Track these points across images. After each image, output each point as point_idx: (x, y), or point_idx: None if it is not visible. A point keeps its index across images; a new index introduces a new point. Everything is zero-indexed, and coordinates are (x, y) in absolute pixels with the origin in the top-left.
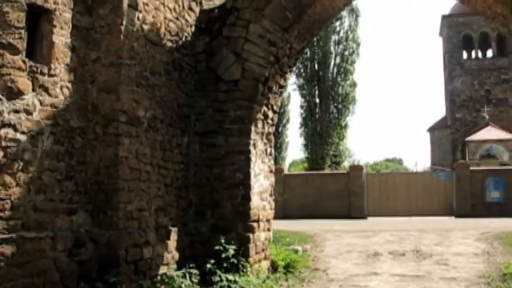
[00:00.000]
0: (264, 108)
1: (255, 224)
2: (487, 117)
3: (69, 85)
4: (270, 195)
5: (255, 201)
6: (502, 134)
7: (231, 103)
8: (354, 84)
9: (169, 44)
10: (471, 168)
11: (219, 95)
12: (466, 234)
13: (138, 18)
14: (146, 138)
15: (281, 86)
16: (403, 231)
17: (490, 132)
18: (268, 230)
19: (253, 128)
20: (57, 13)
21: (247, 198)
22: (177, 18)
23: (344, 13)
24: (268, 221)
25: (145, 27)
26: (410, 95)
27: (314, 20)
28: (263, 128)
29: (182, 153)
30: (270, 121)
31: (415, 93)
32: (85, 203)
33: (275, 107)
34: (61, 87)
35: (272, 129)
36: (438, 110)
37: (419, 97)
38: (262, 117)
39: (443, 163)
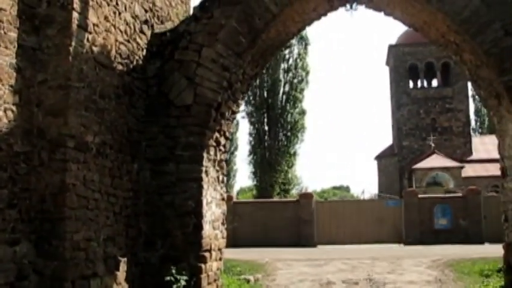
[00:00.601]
0: (217, 134)
1: (207, 254)
2: (433, 145)
3: (14, 108)
4: (222, 223)
5: (207, 230)
6: (447, 162)
7: (183, 129)
8: (302, 112)
9: (119, 67)
10: (419, 195)
11: (171, 121)
12: (417, 262)
13: (87, 39)
14: (95, 164)
15: (233, 112)
16: (355, 259)
17: (436, 160)
18: (220, 259)
19: (205, 155)
20: (2, 32)
21: (199, 227)
22: (128, 41)
23: (293, 41)
24: (220, 250)
25: (95, 49)
26: (358, 123)
27: (268, 45)
28: (215, 155)
29: (132, 180)
30: (222, 148)
31: (362, 121)
32: (29, 232)
33: (227, 134)
34: (5, 110)
35: (224, 156)
36: (385, 138)
37: (366, 125)
38: (214, 143)
39: (390, 191)
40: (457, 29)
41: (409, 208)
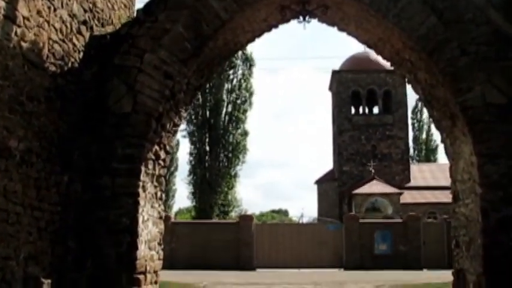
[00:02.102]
0: (156, 147)
1: (141, 277)
2: (373, 171)
3: None
4: (159, 244)
5: (143, 250)
6: (386, 188)
7: (120, 139)
8: (245, 133)
9: (52, 68)
10: (360, 220)
11: (107, 130)
12: (359, 287)
13: (15, 33)
14: (18, 173)
15: (175, 125)
16: (296, 284)
17: (376, 186)
18: (156, 282)
19: (143, 169)
20: None
21: (133, 246)
22: (64, 41)
23: (238, 61)
24: (156, 272)
25: (25, 45)
26: (299, 147)
27: (215, 54)
28: (154, 169)
29: (61, 193)
30: (161, 162)
31: (303, 145)
32: None
33: (168, 148)
34: None
35: (164, 172)
36: (326, 163)
37: (307, 149)
38: (153, 157)
39: (330, 215)
40: (413, 45)
41: (350, 232)
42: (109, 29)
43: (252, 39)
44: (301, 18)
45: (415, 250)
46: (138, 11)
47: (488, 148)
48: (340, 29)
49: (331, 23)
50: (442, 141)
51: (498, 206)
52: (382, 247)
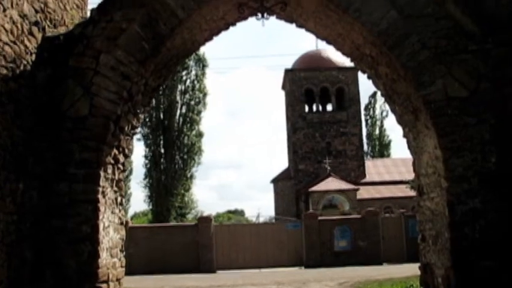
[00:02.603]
0: (115, 151)
1: (104, 286)
2: (328, 168)
3: None
4: (121, 250)
5: (104, 258)
6: (342, 185)
7: (77, 144)
8: (200, 135)
9: (3, 71)
10: (319, 218)
11: (63, 134)
12: (324, 286)
13: None
14: None
15: (133, 127)
16: (260, 285)
17: (332, 183)
18: None
19: (102, 174)
20: None
21: (94, 255)
22: (15, 43)
23: (191, 62)
24: (118, 280)
25: None
26: (254, 147)
27: (172, 54)
28: (113, 173)
29: (16, 202)
30: (120, 166)
31: (258, 145)
32: None
33: (126, 151)
34: None
35: (123, 176)
36: (281, 162)
37: (262, 149)
38: (112, 161)
39: (287, 214)
40: (374, 40)
41: (309, 230)
42: (62, 30)
43: (209, 38)
44: (259, 15)
45: (374, 245)
46: (92, 10)
47: (452, 141)
48: (299, 26)
49: (289, 19)
50: (404, 135)
51: (464, 199)
52: (341, 243)
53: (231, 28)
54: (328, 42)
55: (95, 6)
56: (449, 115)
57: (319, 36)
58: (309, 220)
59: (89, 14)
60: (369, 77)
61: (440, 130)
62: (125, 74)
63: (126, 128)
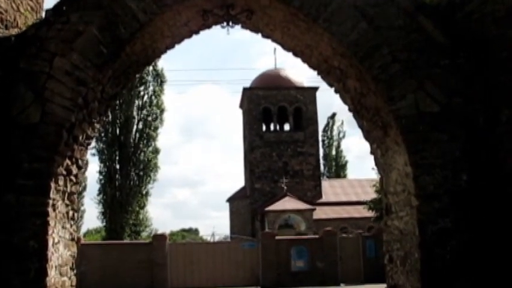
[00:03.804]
0: (68, 161)
1: None
2: (285, 188)
3: None
4: (71, 268)
5: (53, 276)
6: (299, 205)
7: (27, 153)
8: (156, 151)
9: None
10: (277, 237)
11: (12, 142)
12: None
13: None
14: None
15: (88, 137)
16: None
17: (288, 203)
18: None
19: (53, 185)
20: None
21: (42, 273)
22: None
23: (149, 78)
24: None
25: None
26: (210, 165)
27: (132, 61)
28: (65, 186)
29: None
30: (73, 178)
31: (214, 163)
32: None
33: (80, 162)
34: None
35: (76, 189)
36: (237, 181)
37: (218, 167)
38: (64, 172)
39: (242, 233)
40: (344, 52)
41: (266, 250)
42: (14, 32)
43: (171, 46)
44: (224, 23)
45: (332, 266)
46: (47, 11)
47: (423, 158)
48: (265, 36)
49: (255, 29)
50: (372, 152)
51: (434, 218)
52: (299, 264)
53: (194, 37)
54: (295, 54)
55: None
56: (420, 131)
57: (285, 47)
58: (266, 239)
59: (44, 14)
60: (336, 91)
61: (410, 146)
62: (81, 79)
63: (80, 138)
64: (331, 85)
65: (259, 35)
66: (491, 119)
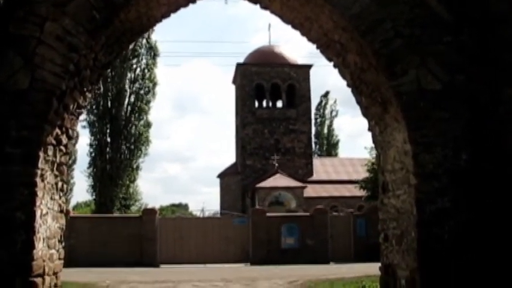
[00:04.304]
0: (57, 130)
1: (38, 280)
2: (276, 165)
3: None
4: (60, 241)
5: (40, 249)
6: (290, 182)
7: (15, 120)
8: (148, 125)
9: None
10: (267, 214)
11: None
12: (273, 284)
13: None
14: None
15: (79, 107)
16: (206, 281)
17: (279, 180)
18: (56, 285)
19: (42, 155)
20: None
21: (29, 245)
22: None
23: (142, 50)
24: (56, 274)
25: None
26: (201, 141)
27: (126, 28)
28: (54, 156)
29: None
30: (63, 148)
31: (205, 139)
32: None
33: (70, 132)
34: None
35: (65, 159)
36: (228, 158)
37: (209, 143)
38: (54, 142)
39: (232, 209)
40: (346, 25)
41: (256, 227)
42: None
43: (166, 14)
44: None
45: (322, 244)
46: None
47: (423, 136)
48: (263, 7)
49: (254, 0)
50: (370, 129)
51: (433, 198)
52: (289, 241)
53: (189, 10)
54: (294, 27)
55: None
56: (422, 108)
57: (284, 19)
58: (256, 216)
59: None
60: (335, 66)
61: (411, 123)
62: (73, 45)
63: (71, 106)
64: (330, 59)
65: (258, 6)
66: (493, 98)
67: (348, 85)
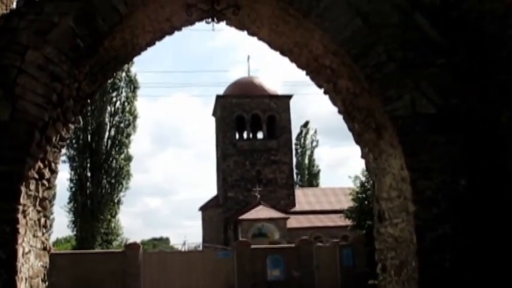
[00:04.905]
0: (40, 164)
1: None
2: (258, 196)
3: None
4: (43, 280)
5: None
6: (272, 213)
7: None
8: (128, 158)
9: None
10: (252, 246)
11: None
12: None
13: None
14: None
15: (62, 139)
16: None
17: (262, 212)
18: None
19: (23, 190)
20: None
21: (11, 285)
22: None
23: (122, 83)
24: None
25: None
26: (181, 174)
27: (110, 56)
28: (37, 190)
29: None
30: (45, 182)
31: (185, 172)
32: None
33: (53, 166)
34: None
35: (48, 194)
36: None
37: (189, 176)
38: (36, 176)
39: (215, 242)
40: (337, 49)
41: (241, 259)
42: None
43: (152, 42)
44: (209, 19)
45: (308, 275)
46: (18, 0)
47: (420, 162)
48: (251, 34)
49: (241, 26)
50: (363, 156)
51: (433, 224)
52: (275, 273)
53: (168, 43)
54: (283, 53)
55: None
56: (417, 133)
57: (272, 45)
58: (241, 248)
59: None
60: (325, 92)
61: (407, 149)
62: (55, 74)
63: (53, 139)
64: (320, 86)
65: (245, 32)
66: (491, 120)
67: (340, 111)
